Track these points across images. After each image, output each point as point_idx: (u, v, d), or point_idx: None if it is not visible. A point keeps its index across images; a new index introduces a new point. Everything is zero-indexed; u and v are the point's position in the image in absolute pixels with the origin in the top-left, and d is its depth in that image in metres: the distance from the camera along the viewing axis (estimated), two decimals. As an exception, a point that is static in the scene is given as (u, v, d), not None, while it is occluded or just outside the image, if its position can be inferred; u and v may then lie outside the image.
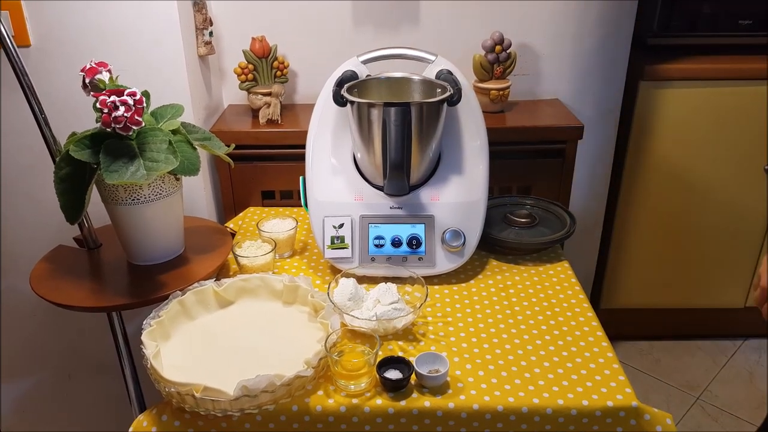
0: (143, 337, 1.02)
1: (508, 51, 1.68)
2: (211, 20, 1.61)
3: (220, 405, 0.93)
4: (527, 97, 1.84)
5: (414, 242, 1.26)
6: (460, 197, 1.28)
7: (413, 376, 1.00)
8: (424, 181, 1.30)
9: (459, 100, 1.23)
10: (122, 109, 1.07)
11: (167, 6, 1.41)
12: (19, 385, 1.83)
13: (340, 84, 1.25)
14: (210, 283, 1.17)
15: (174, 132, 1.18)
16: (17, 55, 1.16)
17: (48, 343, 1.79)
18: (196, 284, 1.16)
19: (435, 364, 1.02)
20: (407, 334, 1.13)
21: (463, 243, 1.26)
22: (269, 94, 1.67)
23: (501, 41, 1.66)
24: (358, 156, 1.30)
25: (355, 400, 0.98)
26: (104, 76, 1.15)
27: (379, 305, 1.12)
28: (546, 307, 1.20)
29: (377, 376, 0.99)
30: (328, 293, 1.13)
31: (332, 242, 1.27)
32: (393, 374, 0.99)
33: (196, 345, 1.09)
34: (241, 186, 1.68)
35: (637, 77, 1.82)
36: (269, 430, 0.98)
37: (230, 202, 1.70)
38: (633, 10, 1.74)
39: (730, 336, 2.24)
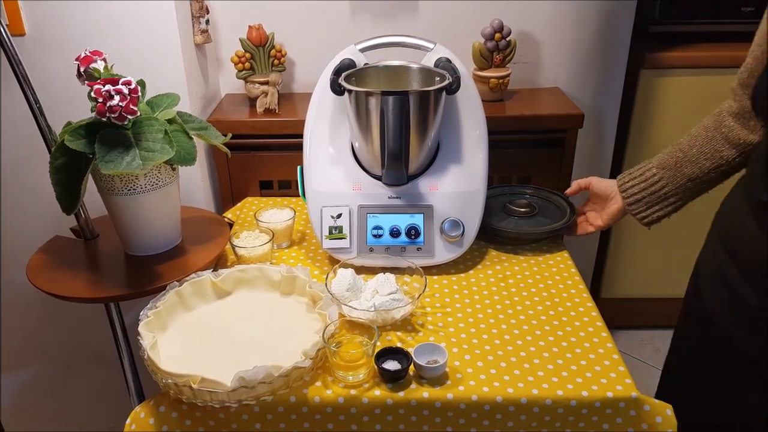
0: (140, 329, 1.02)
1: (507, 39, 1.67)
2: (207, 8, 1.60)
3: (218, 396, 0.92)
4: (527, 85, 1.82)
5: (412, 232, 1.25)
6: (459, 187, 1.27)
7: (412, 366, 0.99)
8: (422, 171, 1.29)
9: (458, 88, 1.22)
10: (117, 98, 1.06)
11: (163, -6, 1.40)
12: (18, 377, 1.83)
13: (337, 72, 1.24)
14: (207, 274, 1.16)
15: (170, 121, 1.17)
16: (12, 44, 1.15)
17: (46, 335, 1.78)
18: (193, 275, 1.16)
19: (433, 355, 1.01)
20: (406, 324, 1.12)
21: (462, 233, 1.25)
22: (266, 83, 1.66)
23: (500, 29, 1.65)
24: (356, 145, 1.29)
25: (353, 391, 0.97)
26: (99, 65, 1.13)
27: (377, 296, 1.12)
28: (545, 298, 1.19)
29: (375, 366, 0.99)
30: (326, 284, 1.12)
31: (330, 232, 1.27)
32: (391, 365, 0.99)
33: (194, 336, 1.08)
34: (238, 176, 1.67)
35: (638, 65, 1.81)
36: (267, 421, 0.97)
37: (228, 192, 1.70)
38: (634, -3, 1.72)
39: (730, 325, 2.23)
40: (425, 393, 0.97)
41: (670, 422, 0.96)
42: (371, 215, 1.26)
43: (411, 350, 1.00)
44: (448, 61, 1.27)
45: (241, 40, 1.64)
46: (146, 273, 1.20)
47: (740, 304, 0.98)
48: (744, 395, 1.02)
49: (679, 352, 1.20)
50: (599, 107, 1.86)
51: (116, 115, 1.07)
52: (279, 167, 1.66)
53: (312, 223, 1.29)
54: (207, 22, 1.59)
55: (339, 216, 1.27)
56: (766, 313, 0.94)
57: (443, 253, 1.26)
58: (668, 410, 0.96)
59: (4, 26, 1.15)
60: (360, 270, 1.22)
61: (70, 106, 1.43)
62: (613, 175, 1.97)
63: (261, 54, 1.65)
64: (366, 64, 1.32)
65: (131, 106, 1.08)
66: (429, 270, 1.26)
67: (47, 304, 1.70)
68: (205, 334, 1.08)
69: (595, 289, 2.16)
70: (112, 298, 1.17)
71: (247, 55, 1.65)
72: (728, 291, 1.00)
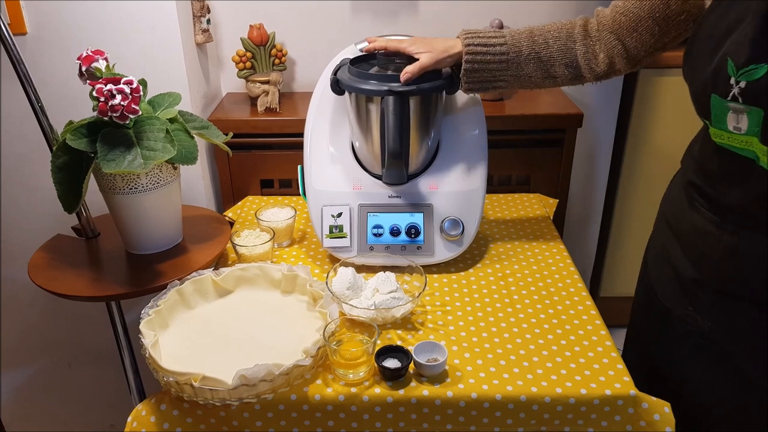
0: (141, 327, 1.02)
1: (507, 38, 1.67)
2: (208, 8, 1.60)
3: (219, 394, 0.93)
4: (527, 85, 1.83)
5: (413, 231, 1.26)
6: (458, 186, 1.28)
7: (412, 365, 1.00)
8: (422, 170, 1.29)
9: (458, 88, 1.22)
10: (119, 97, 1.07)
11: (164, -7, 1.40)
12: (19, 375, 1.84)
13: (338, 72, 1.24)
14: (208, 273, 1.17)
15: (171, 120, 1.18)
16: (13, 43, 1.16)
17: (47, 333, 1.79)
18: (194, 273, 1.16)
19: (433, 353, 1.02)
20: (406, 323, 1.13)
21: (462, 232, 1.25)
22: (267, 83, 1.67)
23: (500, 28, 1.65)
24: (357, 145, 1.29)
25: (353, 389, 0.98)
26: (101, 65, 1.14)
27: (377, 294, 1.12)
28: (545, 296, 1.20)
29: (376, 365, 0.99)
30: (326, 282, 1.13)
31: (331, 231, 1.27)
32: (391, 363, 0.99)
33: (195, 334, 1.09)
34: (239, 175, 1.68)
35: (638, 65, 1.81)
36: (267, 419, 0.98)
37: (229, 191, 1.70)
38: (633, -3, 1.72)
39: (728, 324, 2.23)
40: (425, 391, 0.97)
41: (668, 419, 0.96)
42: (371, 214, 1.27)
43: (411, 348, 1.01)
44: (448, 60, 1.27)
45: (242, 40, 1.64)
46: (147, 271, 1.21)
47: (679, 279, 1.04)
48: (682, 362, 1.06)
49: (632, 319, 1.28)
50: (598, 107, 1.86)
51: (118, 115, 1.07)
52: (280, 166, 1.66)
53: (312, 222, 1.30)
54: (208, 21, 1.60)
55: (339, 215, 1.27)
56: (701, 284, 0.99)
57: (443, 252, 1.27)
58: (666, 408, 0.97)
59: (6, 25, 1.15)
60: (360, 269, 1.22)
61: (72, 105, 1.44)
62: (612, 176, 1.98)
63: (262, 53, 1.66)
64: (366, 63, 1.32)
65: (133, 106, 1.08)
66: (429, 269, 1.27)
67: (48, 303, 1.71)
68: (206, 333, 1.09)
69: (594, 287, 2.17)
70: (114, 296, 1.18)
71: (248, 54, 1.65)
72: (670, 267, 1.06)
